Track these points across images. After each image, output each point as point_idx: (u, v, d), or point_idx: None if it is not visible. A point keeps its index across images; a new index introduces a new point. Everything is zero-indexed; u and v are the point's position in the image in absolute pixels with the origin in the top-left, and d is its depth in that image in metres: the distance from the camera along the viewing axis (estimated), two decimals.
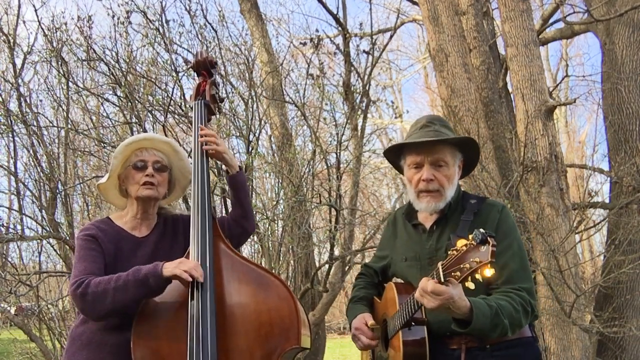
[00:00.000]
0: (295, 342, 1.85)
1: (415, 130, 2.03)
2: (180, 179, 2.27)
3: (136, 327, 1.90)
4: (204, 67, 2.39)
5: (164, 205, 2.28)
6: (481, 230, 1.52)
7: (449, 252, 1.60)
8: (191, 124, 2.32)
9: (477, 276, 1.53)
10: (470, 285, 1.56)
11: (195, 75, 2.45)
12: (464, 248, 1.54)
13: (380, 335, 2.07)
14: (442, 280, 1.59)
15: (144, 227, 2.16)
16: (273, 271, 3.32)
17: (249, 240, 5.11)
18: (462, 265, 1.54)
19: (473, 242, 1.52)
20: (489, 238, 1.50)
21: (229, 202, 4.67)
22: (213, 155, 2.20)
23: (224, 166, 2.30)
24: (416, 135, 2.01)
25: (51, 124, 5.21)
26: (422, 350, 1.85)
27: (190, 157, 2.31)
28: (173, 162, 2.22)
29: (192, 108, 2.35)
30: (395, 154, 2.13)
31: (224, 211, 4.64)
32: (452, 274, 1.56)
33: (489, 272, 1.51)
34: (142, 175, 2.10)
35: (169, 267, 1.85)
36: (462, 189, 2.15)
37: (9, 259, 5.52)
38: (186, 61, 4.97)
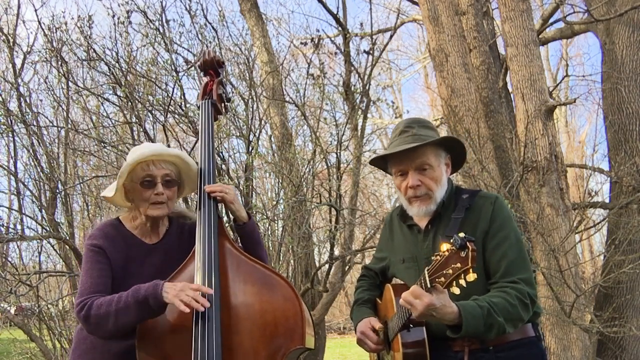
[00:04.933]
0: (299, 343, 1.84)
1: (395, 138, 2.00)
2: (189, 183, 2.20)
3: (140, 331, 1.90)
4: (212, 67, 2.37)
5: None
6: (460, 235, 1.50)
7: (432, 258, 1.59)
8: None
9: (461, 282, 1.52)
10: (455, 290, 1.55)
11: (202, 74, 2.43)
12: (446, 253, 1.53)
13: (383, 336, 2.07)
14: (429, 286, 1.58)
15: (155, 235, 2.11)
16: None
17: None
18: (445, 271, 1.53)
19: (453, 247, 1.51)
20: (468, 243, 1.48)
21: None
22: (221, 202, 2.10)
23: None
24: (396, 142, 1.97)
25: (51, 124, 5.22)
26: (422, 351, 1.85)
27: (195, 155, 2.27)
28: (182, 169, 2.13)
29: (199, 107, 2.32)
30: (382, 162, 2.10)
31: (223, 211, 4.63)
32: (437, 280, 1.55)
33: (471, 276, 1.50)
34: (152, 194, 2.02)
35: (170, 294, 1.79)
36: (457, 184, 2.12)
37: (9, 259, 5.52)
38: (186, 61, 4.97)
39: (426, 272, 1.60)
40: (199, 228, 2.00)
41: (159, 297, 1.80)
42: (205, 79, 2.39)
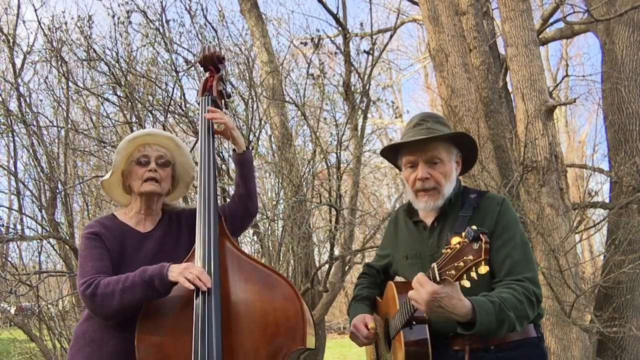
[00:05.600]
0: (300, 343, 1.84)
1: (409, 130, 2.01)
2: (183, 175, 2.26)
3: (141, 325, 1.90)
4: (211, 63, 2.36)
5: (168, 202, 2.26)
6: (473, 227, 1.50)
7: (442, 251, 1.58)
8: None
9: (473, 274, 1.51)
10: (466, 283, 1.54)
11: (202, 70, 2.42)
12: (458, 246, 1.52)
13: (383, 335, 2.06)
14: (438, 279, 1.57)
15: (148, 223, 2.15)
16: None
17: (249, 239, 5.11)
18: (456, 264, 1.52)
19: (466, 239, 1.50)
20: (481, 235, 1.47)
21: (228, 201, 4.67)
22: (222, 132, 2.20)
23: (223, 165, 2.28)
24: (409, 134, 1.98)
25: (51, 124, 5.22)
26: (424, 350, 1.83)
27: (195, 155, 2.29)
28: (176, 157, 2.21)
29: (199, 104, 2.32)
30: (392, 154, 2.12)
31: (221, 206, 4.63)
32: (447, 272, 1.54)
33: (483, 269, 1.48)
34: (145, 171, 2.10)
35: (175, 272, 1.85)
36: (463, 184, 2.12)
37: (9, 259, 5.52)
38: (186, 61, 4.98)
39: (435, 266, 1.58)
40: (200, 227, 2.00)
41: (165, 277, 1.84)
42: (205, 75, 2.38)
